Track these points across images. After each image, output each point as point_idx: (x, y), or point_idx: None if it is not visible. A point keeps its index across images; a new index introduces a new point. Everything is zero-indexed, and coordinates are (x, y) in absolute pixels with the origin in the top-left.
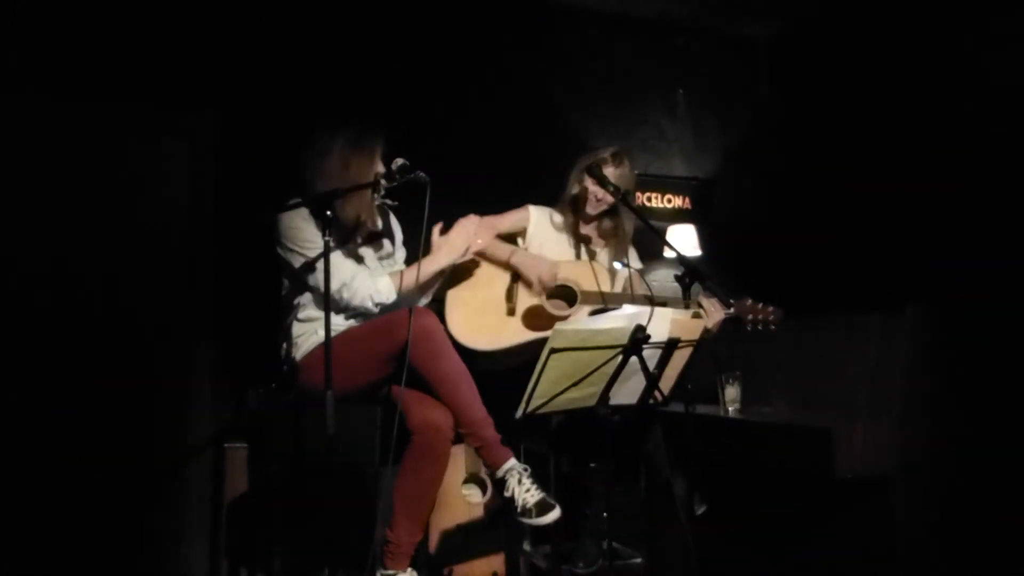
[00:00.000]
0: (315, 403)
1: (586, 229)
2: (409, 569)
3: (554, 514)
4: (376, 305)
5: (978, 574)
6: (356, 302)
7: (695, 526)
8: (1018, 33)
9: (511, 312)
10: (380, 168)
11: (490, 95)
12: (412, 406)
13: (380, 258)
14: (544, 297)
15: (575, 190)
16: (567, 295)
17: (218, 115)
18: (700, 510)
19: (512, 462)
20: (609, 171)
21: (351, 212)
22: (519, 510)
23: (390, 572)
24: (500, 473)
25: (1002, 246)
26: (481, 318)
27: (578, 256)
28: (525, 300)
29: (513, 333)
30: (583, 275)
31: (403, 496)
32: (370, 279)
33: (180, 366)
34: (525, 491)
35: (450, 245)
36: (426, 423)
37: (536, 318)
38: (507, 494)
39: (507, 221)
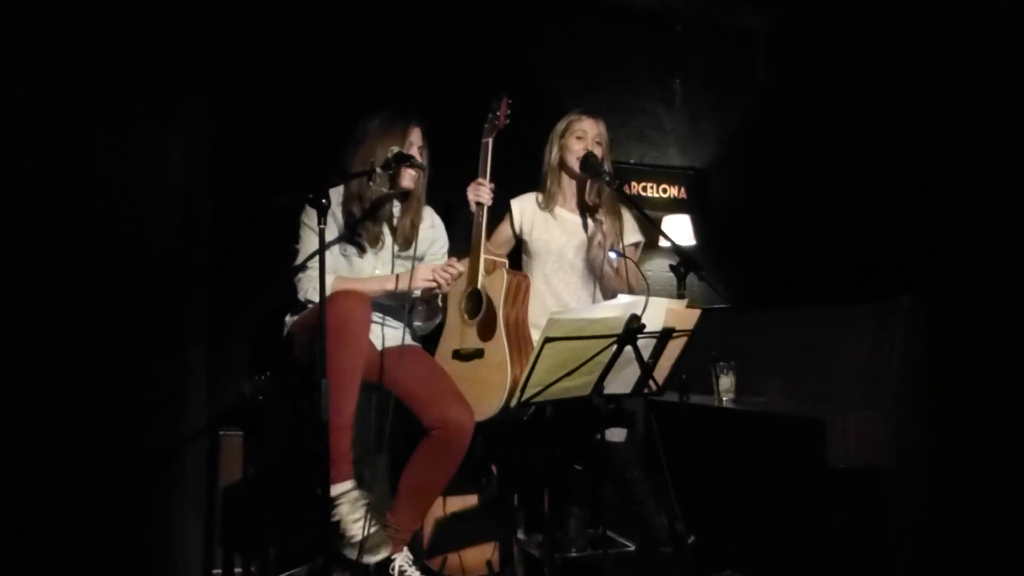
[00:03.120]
0: (310, 387)
1: (582, 195)
2: (405, 550)
3: (379, 556)
4: (308, 302)
5: (971, 566)
6: (299, 292)
7: (687, 517)
8: (1016, 22)
9: (479, 353)
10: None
11: (485, 84)
12: (430, 403)
13: (399, 257)
14: (463, 316)
15: (556, 150)
16: (473, 301)
17: (216, 101)
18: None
19: (347, 485)
20: (589, 124)
21: (359, 199)
22: (342, 539)
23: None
24: (333, 492)
25: (998, 237)
26: (487, 380)
27: (585, 226)
28: (469, 338)
29: (498, 365)
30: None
31: (411, 487)
32: (314, 274)
33: (176, 353)
34: (354, 521)
35: (416, 277)
36: (446, 420)
37: (484, 331)
38: (335, 518)
39: (501, 236)
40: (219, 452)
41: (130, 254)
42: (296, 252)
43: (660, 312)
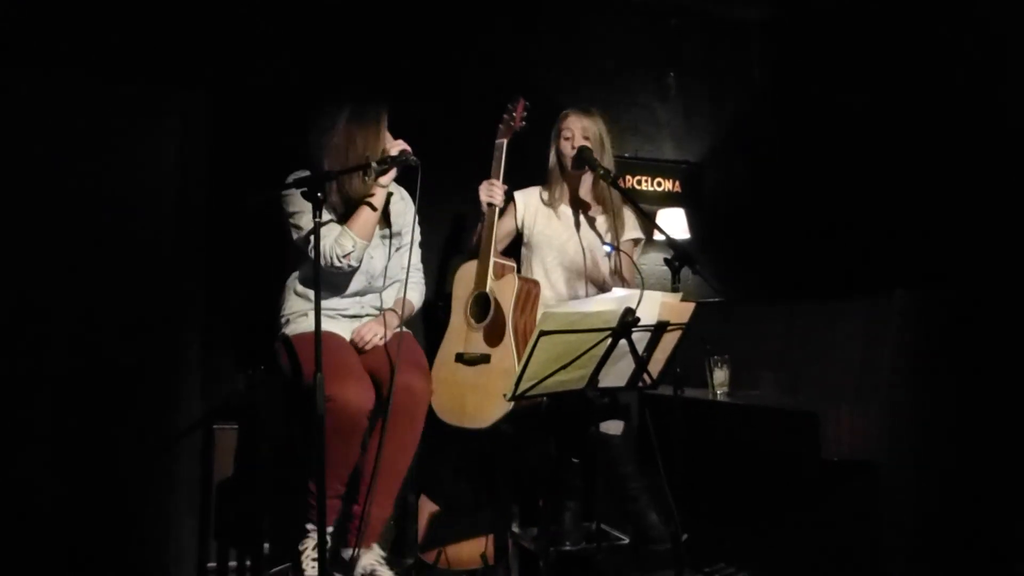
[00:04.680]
0: (303, 383)
1: (583, 194)
2: (375, 547)
3: None
4: (344, 258)
5: (962, 559)
6: (323, 261)
7: (681, 510)
8: (1010, 17)
9: (485, 359)
10: (388, 142)
11: (479, 76)
12: (389, 372)
13: (383, 237)
14: (469, 320)
15: (553, 152)
16: (479, 305)
17: (211, 94)
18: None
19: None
20: (574, 120)
21: (345, 192)
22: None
23: (352, 550)
24: (309, 527)
25: (991, 231)
26: (492, 387)
27: (576, 224)
28: (474, 342)
29: (505, 372)
30: (469, 277)
31: (381, 464)
32: (333, 234)
33: (171, 347)
34: (311, 560)
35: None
36: (401, 385)
37: (490, 336)
38: (300, 547)
39: (503, 230)
40: (213, 446)
41: (124, 247)
42: (297, 239)
43: (654, 306)
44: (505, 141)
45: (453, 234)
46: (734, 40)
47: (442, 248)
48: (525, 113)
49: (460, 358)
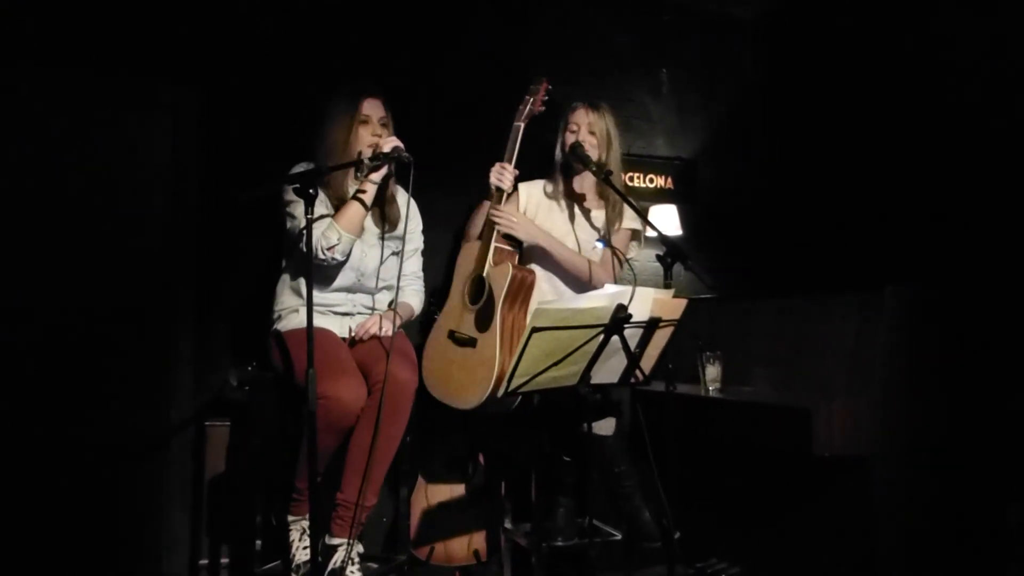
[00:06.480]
0: (295, 379)
1: (578, 186)
2: (347, 546)
3: None
4: (329, 250)
5: (953, 554)
6: (316, 251)
7: (672, 506)
8: (1003, 13)
9: (472, 342)
10: (380, 131)
11: (472, 72)
12: (378, 362)
13: (379, 237)
14: (465, 300)
15: (559, 145)
16: (476, 287)
17: (203, 89)
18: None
19: (303, 521)
20: (581, 115)
21: (336, 188)
22: (292, 564)
23: (338, 540)
24: (289, 519)
25: (982, 227)
26: (473, 372)
27: (571, 216)
28: (466, 323)
29: (487, 360)
30: (472, 257)
31: (357, 452)
32: (321, 227)
33: (162, 343)
34: (302, 548)
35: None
36: (388, 375)
37: (480, 321)
38: (290, 538)
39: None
40: (205, 442)
41: (116, 243)
42: (290, 229)
43: (647, 302)
44: (523, 124)
45: (454, 234)
46: (727, 36)
47: (446, 249)
48: (546, 97)
49: (452, 335)
